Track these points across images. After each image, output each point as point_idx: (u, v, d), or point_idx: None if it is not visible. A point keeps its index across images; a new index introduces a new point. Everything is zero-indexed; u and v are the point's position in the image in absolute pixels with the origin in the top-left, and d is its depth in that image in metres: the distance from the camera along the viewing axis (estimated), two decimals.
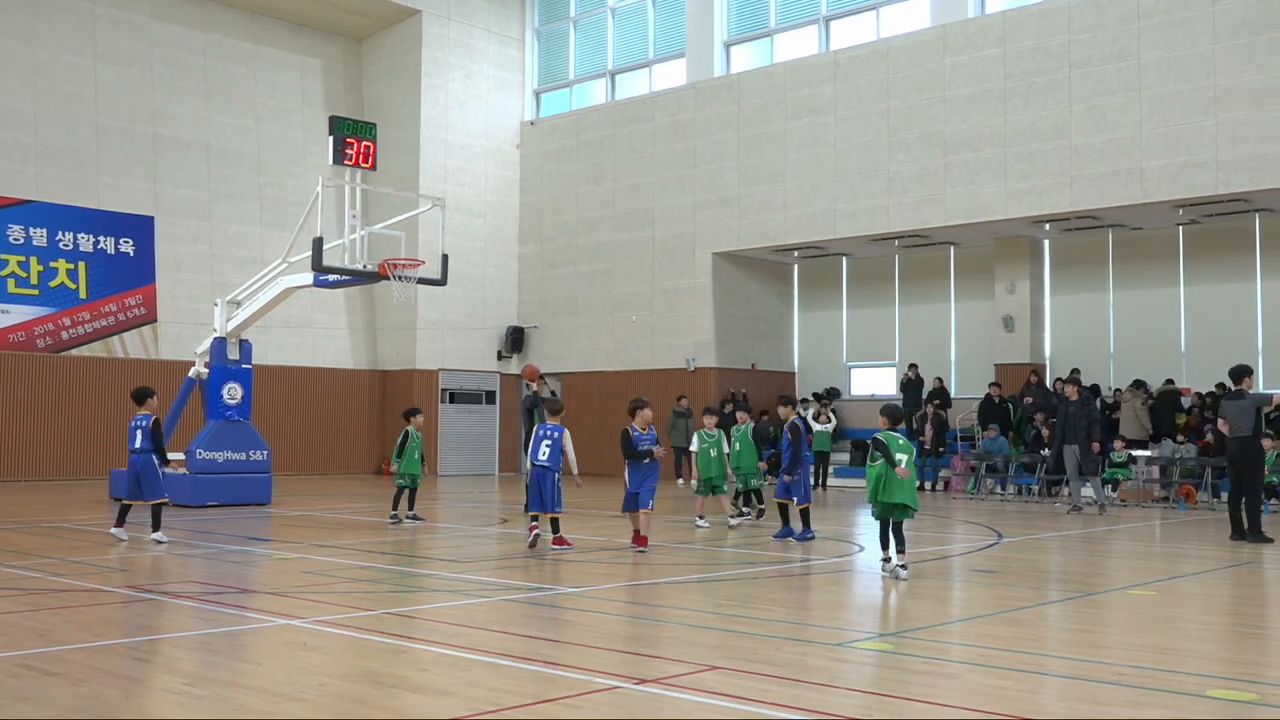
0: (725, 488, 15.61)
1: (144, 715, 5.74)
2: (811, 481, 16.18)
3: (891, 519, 10.61)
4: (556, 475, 12.39)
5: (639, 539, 12.52)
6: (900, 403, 26.39)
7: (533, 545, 12.27)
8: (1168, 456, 21.06)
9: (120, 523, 13.33)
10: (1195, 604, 9.90)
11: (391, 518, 15.88)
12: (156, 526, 13.06)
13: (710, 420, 15.52)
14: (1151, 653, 7.36)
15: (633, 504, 12.51)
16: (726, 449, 15.43)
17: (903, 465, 10.43)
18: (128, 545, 12.89)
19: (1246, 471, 14.12)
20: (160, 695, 6.20)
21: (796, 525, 13.87)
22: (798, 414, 14.68)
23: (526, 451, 12.80)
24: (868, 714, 5.69)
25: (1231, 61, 20.96)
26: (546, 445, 12.39)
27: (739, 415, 16.90)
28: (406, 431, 16.37)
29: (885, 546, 10.68)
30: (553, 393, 18.52)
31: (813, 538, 13.71)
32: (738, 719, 5.59)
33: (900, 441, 10.57)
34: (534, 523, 12.51)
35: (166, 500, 13.54)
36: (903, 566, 10.56)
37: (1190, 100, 21.32)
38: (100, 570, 10.98)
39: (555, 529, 12.45)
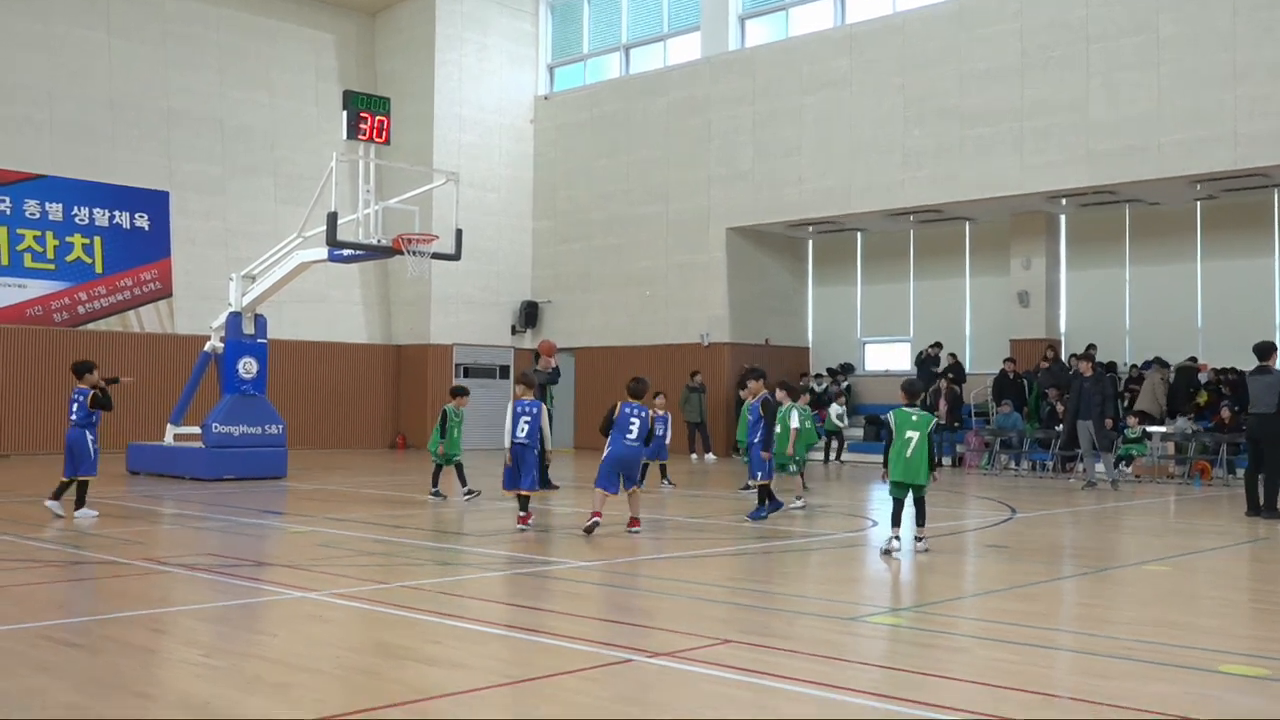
0: (794, 468, 15.30)
1: (161, 686, 5.79)
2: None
3: (909, 495, 10.66)
4: (535, 452, 12.18)
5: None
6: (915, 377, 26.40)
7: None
8: (1183, 432, 20.99)
9: (56, 496, 12.91)
10: (1209, 580, 9.89)
11: (433, 492, 15.75)
12: (81, 504, 12.76)
13: (803, 397, 16.42)
14: (1164, 628, 7.37)
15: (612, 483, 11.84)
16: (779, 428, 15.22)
17: (912, 445, 10.48)
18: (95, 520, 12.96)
19: (1267, 448, 14.04)
20: (177, 666, 6.26)
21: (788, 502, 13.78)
22: (768, 389, 14.38)
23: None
24: (879, 688, 5.71)
25: (1251, 36, 20.76)
26: (525, 422, 12.10)
27: (779, 394, 16.86)
28: (445, 410, 16.07)
29: (895, 524, 10.57)
30: (556, 369, 18.37)
31: (780, 507, 13.63)
32: (750, 692, 5.62)
33: (914, 418, 10.57)
34: (523, 513, 12.14)
35: (90, 478, 13.03)
36: (918, 539, 10.70)
37: (1209, 75, 21.14)
38: (117, 543, 11.06)
39: (523, 506, 12.15)
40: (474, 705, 5.39)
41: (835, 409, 25.69)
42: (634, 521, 11.85)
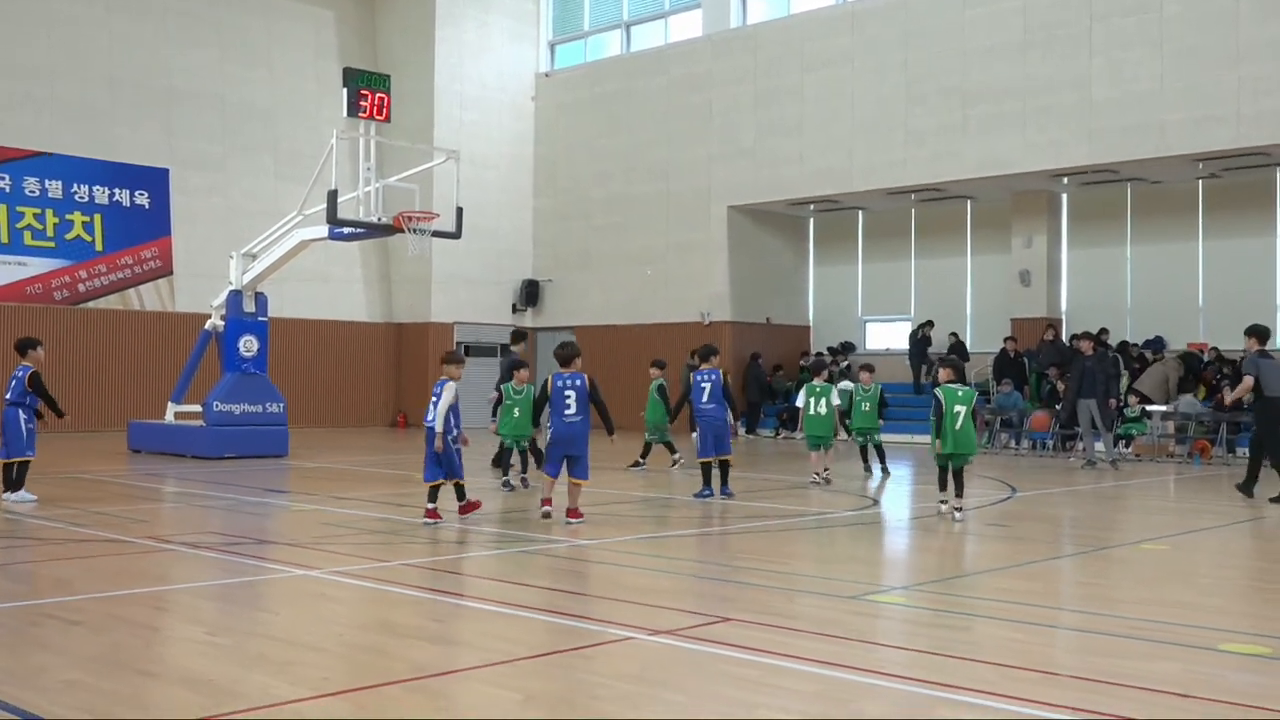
0: (832, 443, 15.66)
1: (164, 664, 5.81)
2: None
3: (951, 465, 11.50)
4: (450, 438, 10.90)
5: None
6: (909, 359, 26.34)
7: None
8: (1186, 412, 20.97)
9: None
10: (1209, 559, 9.91)
11: (504, 483, 14.55)
12: (10, 486, 12.30)
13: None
14: (1164, 607, 7.39)
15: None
16: (837, 402, 15.53)
17: (960, 419, 11.30)
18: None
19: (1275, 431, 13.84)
20: (180, 644, 6.27)
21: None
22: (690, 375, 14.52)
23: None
24: (882, 666, 5.73)
25: (1254, 15, 20.68)
26: (432, 403, 10.91)
27: (863, 375, 17.24)
28: (501, 389, 14.19)
29: (942, 488, 11.63)
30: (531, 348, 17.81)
31: (710, 495, 13.21)
32: (752, 669, 5.63)
33: (960, 394, 11.37)
34: (429, 505, 10.96)
35: (27, 459, 12.49)
36: (958, 509, 11.46)
37: (1211, 53, 21.07)
38: (120, 520, 11.08)
39: (460, 495, 11.12)
40: (475, 683, 5.40)
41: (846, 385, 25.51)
42: (572, 513, 10.87)
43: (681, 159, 28.80)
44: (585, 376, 10.91)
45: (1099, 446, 19.07)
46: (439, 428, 10.77)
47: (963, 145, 24.09)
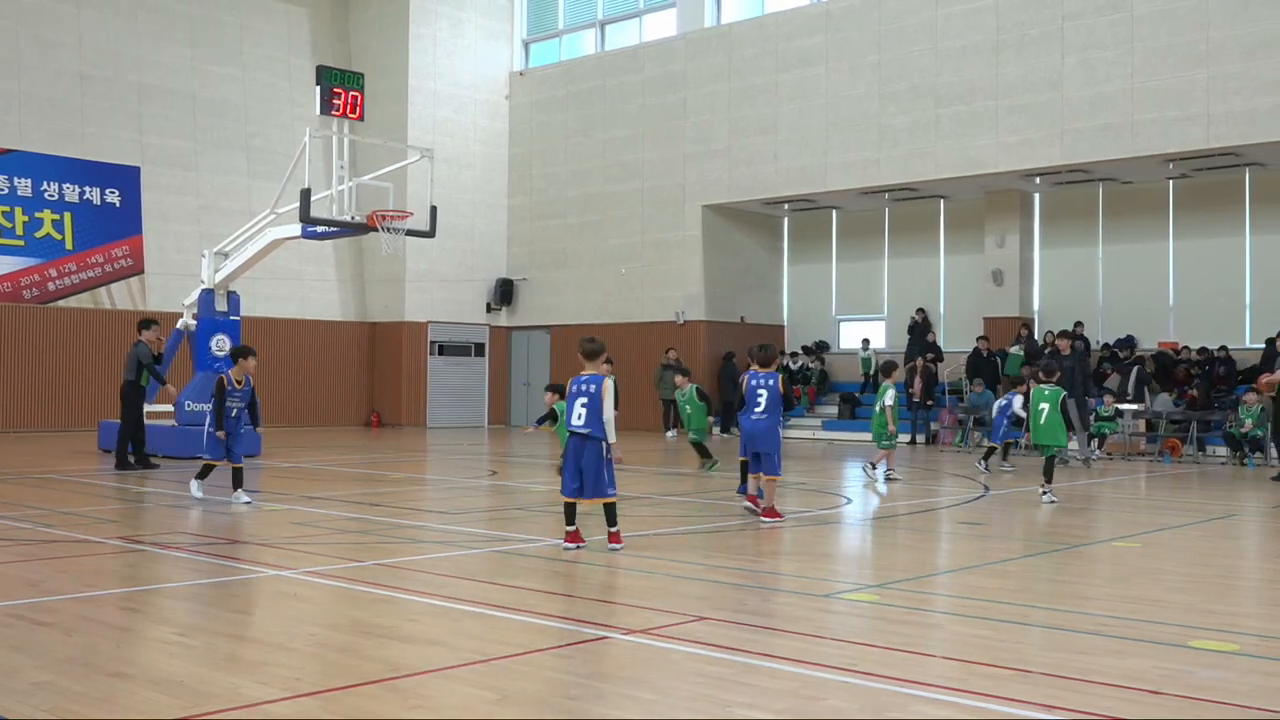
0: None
1: (135, 665, 5.76)
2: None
3: (1045, 455, 13.07)
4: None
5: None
6: (905, 349, 26.23)
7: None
8: (1158, 411, 21.13)
9: None
10: (1179, 556, 9.98)
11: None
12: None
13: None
14: (1135, 604, 7.44)
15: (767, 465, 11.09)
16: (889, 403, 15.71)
17: (1045, 415, 13.04)
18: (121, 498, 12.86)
19: None
20: (151, 645, 6.23)
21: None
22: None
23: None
24: (855, 664, 5.75)
25: (1224, 14, 20.85)
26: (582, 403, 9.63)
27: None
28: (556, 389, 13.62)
29: (1047, 479, 12.99)
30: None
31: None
32: (726, 668, 5.64)
33: (1046, 393, 13.02)
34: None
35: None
36: (1043, 492, 12.84)
37: (1182, 53, 21.23)
38: (90, 521, 10.99)
39: (203, 474, 12.51)
40: (450, 682, 5.39)
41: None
42: (768, 512, 10.98)
43: (656, 158, 28.81)
44: (779, 375, 11.39)
45: (1073, 445, 19.18)
46: (612, 437, 9.22)
47: (936, 145, 24.19)
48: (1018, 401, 16.67)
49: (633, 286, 29.33)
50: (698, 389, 18.06)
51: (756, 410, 11.09)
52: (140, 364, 16.62)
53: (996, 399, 23.31)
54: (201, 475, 12.59)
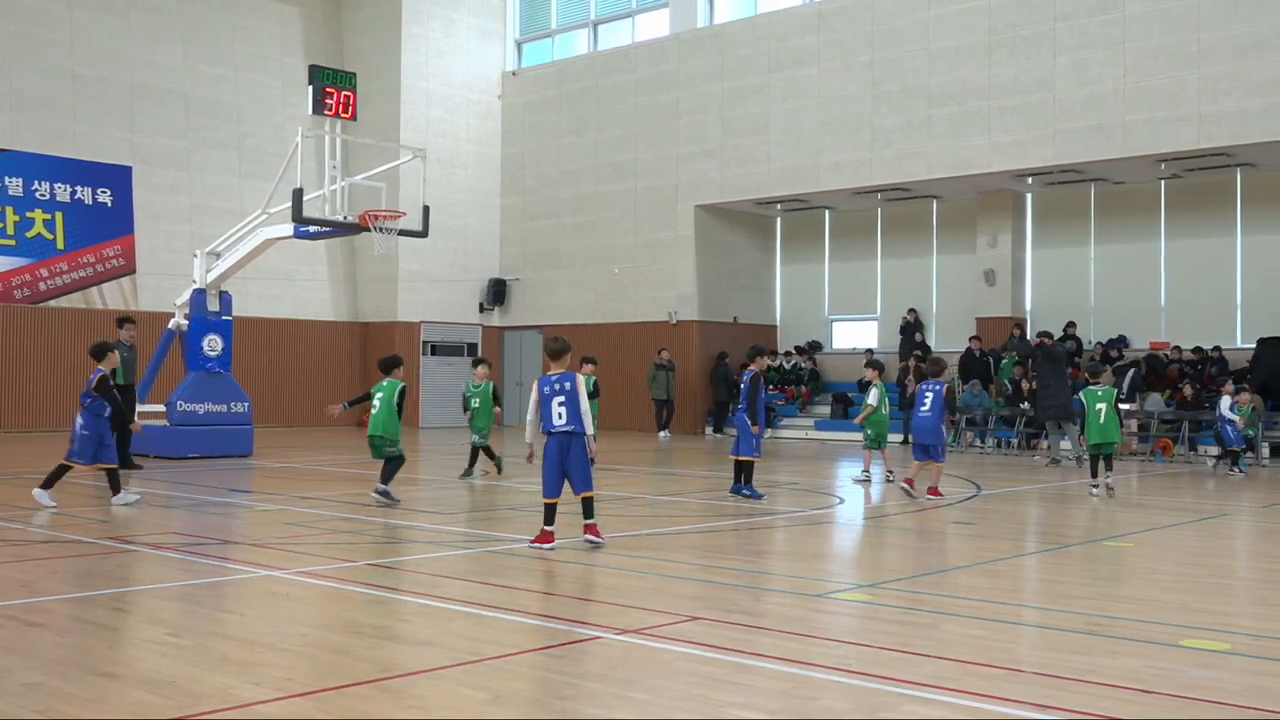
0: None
1: (126, 665, 5.75)
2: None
3: (1101, 453, 13.63)
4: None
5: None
6: (900, 347, 26.19)
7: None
8: (1151, 411, 21.16)
9: None
10: (1170, 555, 10.01)
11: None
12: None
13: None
14: (1127, 603, 7.45)
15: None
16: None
17: (1103, 414, 13.60)
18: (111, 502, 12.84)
19: None
20: (143, 645, 6.21)
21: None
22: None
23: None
24: (848, 664, 5.75)
25: (1216, 15, 20.89)
26: (559, 403, 9.74)
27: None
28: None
29: (1093, 475, 13.75)
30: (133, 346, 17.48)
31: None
32: (718, 668, 5.64)
33: (1099, 393, 13.63)
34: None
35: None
36: (1108, 485, 13.66)
37: (1174, 54, 21.27)
38: (81, 522, 10.97)
39: (589, 511, 9.53)
40: (442, 683, 5.38)
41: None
42: (931, 491, 13.09)
43: (649, 158, 28.81)
44: (945, 384, 13.15)
45: (1064, 445, 19.23)
46: (589, 429, 9.41)
47: (928, 145, 24.22)
48: (1224, 403, 17.63)
49: (625, 287, 29.33)
50: (493, 387, 16.32)
51: (923, 410, 12.98)
52: (123, 361, 16.19)
53: (988, 399, 23.38)
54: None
